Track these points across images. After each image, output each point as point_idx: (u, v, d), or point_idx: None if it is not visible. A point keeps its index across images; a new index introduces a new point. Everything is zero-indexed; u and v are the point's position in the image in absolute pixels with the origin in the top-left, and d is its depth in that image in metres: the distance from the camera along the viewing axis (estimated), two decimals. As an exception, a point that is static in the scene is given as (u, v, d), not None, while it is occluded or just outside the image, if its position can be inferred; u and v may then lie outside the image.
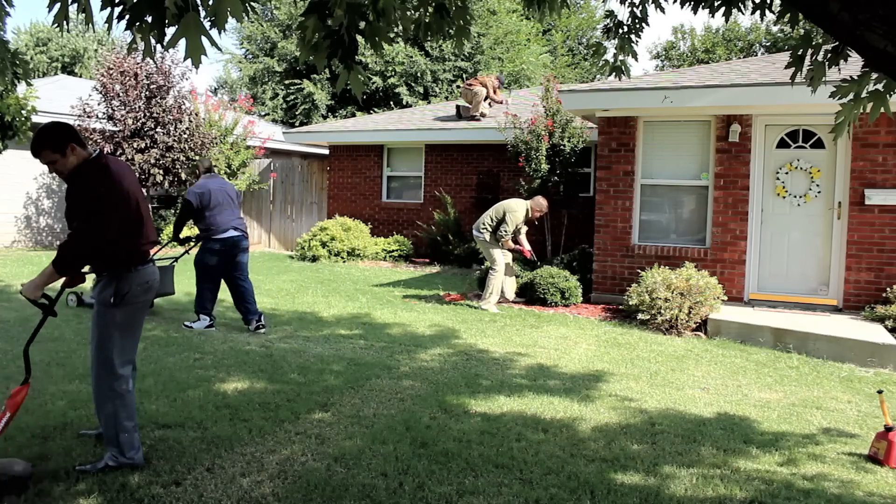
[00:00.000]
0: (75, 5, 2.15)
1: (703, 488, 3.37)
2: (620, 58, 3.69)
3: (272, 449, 3.65)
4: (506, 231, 8.03)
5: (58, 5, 2.11)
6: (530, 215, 8.28)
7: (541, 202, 8.26)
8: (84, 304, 7.56)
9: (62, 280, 3.29)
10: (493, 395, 4.76)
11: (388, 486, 3.25)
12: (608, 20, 3.65)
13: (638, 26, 3.61)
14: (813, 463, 3.78)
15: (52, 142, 3.18)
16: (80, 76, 25.84)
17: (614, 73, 3.75)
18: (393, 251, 12.97)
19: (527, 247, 8.58)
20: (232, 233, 6.54)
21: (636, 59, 3.78)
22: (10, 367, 5.06)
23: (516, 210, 8.13)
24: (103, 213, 3.15)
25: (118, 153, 12.91)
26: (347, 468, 3.43)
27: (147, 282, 3.39)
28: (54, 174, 14.39)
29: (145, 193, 12.94)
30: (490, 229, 8.20)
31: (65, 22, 2.14)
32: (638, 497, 3.22)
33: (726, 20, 3.23)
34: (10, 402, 3.15)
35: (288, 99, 24.21)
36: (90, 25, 2.18)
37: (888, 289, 7.25)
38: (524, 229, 8.56)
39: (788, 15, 2.79)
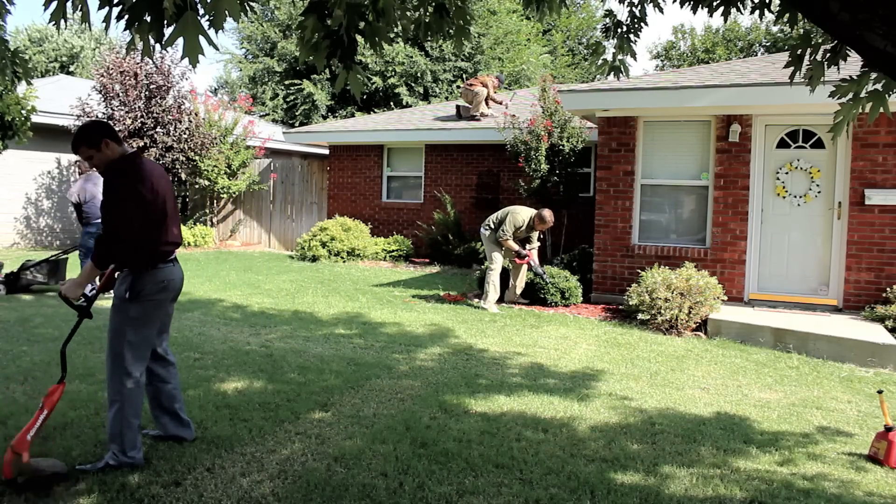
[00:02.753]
0: (70, 3, 2.14)
1: (702, 488, 3.37)
2: (619, 57, 3.69)
3: (272, 449, 3.65)
4: (504, 232, 8.09)
5: (54, 3, 2.10)
6: (534, 225, 8.23)
7: (543, 215, 8.07)
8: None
9: (98, 282, 3.43)
10: (493, 394, 4.76)
11: (388, 486, 3.25)
12: (607, 19, 3.65)
13: (637, 26, 3.61)
14: (813, 463, 3.78)
15: (87, 138, 3.32)
16: (79, 76, 25.83)
17: (613, 73, 3.75)
18: (393, 251, 12.97)
19: (532, 259, 8.39)
20: None
21: (635, 59, 3.78)
22: (10, 367, 5.06)
23: (517, 214, 8.17)
24: (128, 209, 3.25)
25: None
26: (347, 468, 3.43)
27: (163, 281, 3.42)
28: (53, 174, 14.42)
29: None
30: (492, 227, 8.32)
31: (62, 21, 2.14)
32: (638, 497, 3.22)
33: (725, 20, 3.23)
34: (47, 401, 3.23)
35: (288, 99, 24.22)
36: (87, 24, 2.17)
37: (888, 289, 7.25)
38: (536, 244, 8.52)
39: (788, 15, 2.79)
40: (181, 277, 3.59)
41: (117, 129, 13.17)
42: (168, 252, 3.47)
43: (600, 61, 3.74)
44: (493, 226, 8.34)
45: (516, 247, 8.23)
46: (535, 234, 8.45)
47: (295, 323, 7.06)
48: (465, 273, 11.35)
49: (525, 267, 8.51)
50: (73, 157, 14.22)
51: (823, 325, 6.80)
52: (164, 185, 3.44)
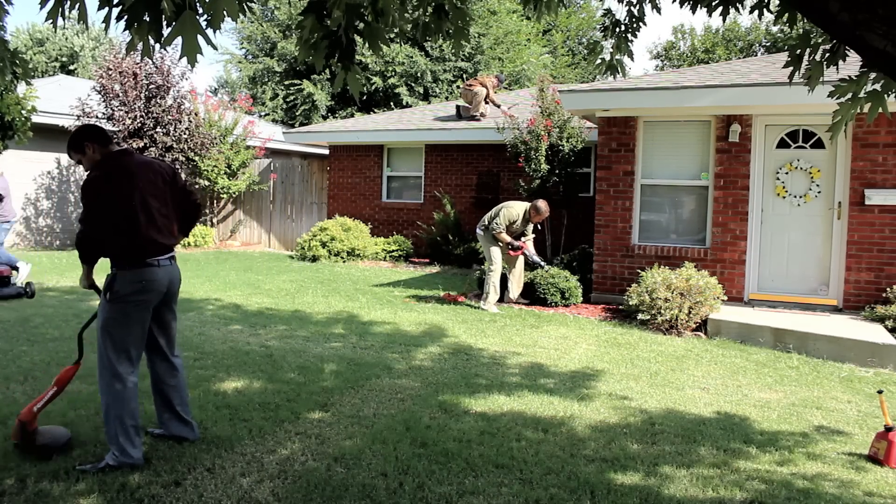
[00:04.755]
0: (67, 2, 2.14)
1: (702, 488, 3.37)
2: (617, 57, 3.70)
3: (272, 449, 3.65)
4: (497, 224, 8.10)
5: (51, 2, 2.10)
6: (530, 218, 8.25)
7: (539, 206, 8.10)
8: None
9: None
10: (493, 394, 4.76)
11: (388, 486, 3.25)
12: (606, 18, 3.65)
13: (635, 26, 3.62)
14: (812, 463, 3.78)
15: (73, 143, 3.44)
16: (78, 76, 25.83)
17: (610, 72, 3.77)
18: (393, 251, 12.97)
19: (528, 249, 8.46)
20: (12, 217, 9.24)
21: (632, 59, 3.79)
22: (10, 367, 5.06)
23: (512, 207, 8.19)
24: (88, 211, 3.33)
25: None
26: (347, 468, 3.43)
27: (141, 281, 3.39)
28: (53, 175, 14.44)
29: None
30: (486, 224, 8.32)
31: (60, 20, 2.14)
32: (638, 497, 3.22)
33: (724, 20, 3.24)
34: (58, 378, 3.57)
35: (288, 99, 24.21)
36: (84, 23, 2.17)
37: (888, 289, 7.25)
38: (531, 236, 8.53)
39: (787, 15, 2.79)
40: (171, 280, 3.54)
41: (117, 129, 13.16)
42: (147, 252, 3.41)
43: (598, 60, 3.75)
44: (486, 223, 8.35)
45: (509, 238, 8.22)
46: (530, 228, 8.45)
47: (295, 323, 7.06)
48: (465, 273, 11.35)
49: (522, 266, 8.52)
50: (73, 158, 14.20)
51: (823, 325, 6.80)
52: (146, 185, 3.41)
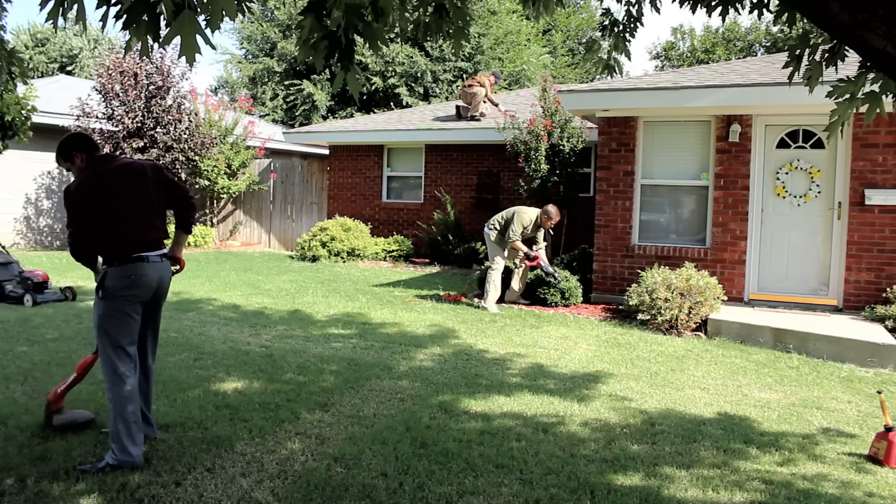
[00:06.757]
0: (66, 2, 2.14)
1: (702, 489, 3.37)
2: (614, 56, 3.70)
3: (272, 449, 3.65)
4: (512, 233, 8.08)
5: (51, 3, 2.10)
6: (541, 223, 8.24)
7: (550, 211, 8.10)
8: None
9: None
10: (493, 395, 4.76)
11: (388, 486, 3.25)
12: (605, 18, 3.65)
13: (633, 25, 3.62)
14: (813, 463, 3.78)
15: (61, 152, 3.58)
16: (77, 76, 25.83)
17: (607, 71, 3.77)
18: (393, 251, 12.96)
19: (542, 260, 8.36)
20: None
21: (629, 59, 3.79)
22: (10, 367, 5.06)
23: (524, 213, 8.17)
24: (70, 214, 3.47)
25: (117, 153, 12.92)
26: (347, 468, 3.43)
27: (130, 276, 3.47)
28: (53, 174, 14.46)
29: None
30: (498, 228, 8.29)
31: (61, 20, 2.14)
32: (638, 497, 3.22)
33: (723, 20, 3.24)
34: (78, 366, 3.88)
35: (288, 99, 24.21)
36: (83, 24, 2.17)
37: (888, 289, 7.25)
38: (543, 244, 8.49)
39: (786, 15, 2.79)
40: (160, 277, 3.60)
41: (117, 129, 13.17)
42: (129, 247, 3.50)
43: (595, 59, 3.75)
44: (498, 227, 8.31)
45: (525, 248, 8.20)
46: (541, 234, 8.44)
47: (295, 323, 7.06)
48: (465, 273, 11.34)
49: (525, 267, 8.51)
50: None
51: (823, 325, 6.80)
52: (128, 187, 3.53)
